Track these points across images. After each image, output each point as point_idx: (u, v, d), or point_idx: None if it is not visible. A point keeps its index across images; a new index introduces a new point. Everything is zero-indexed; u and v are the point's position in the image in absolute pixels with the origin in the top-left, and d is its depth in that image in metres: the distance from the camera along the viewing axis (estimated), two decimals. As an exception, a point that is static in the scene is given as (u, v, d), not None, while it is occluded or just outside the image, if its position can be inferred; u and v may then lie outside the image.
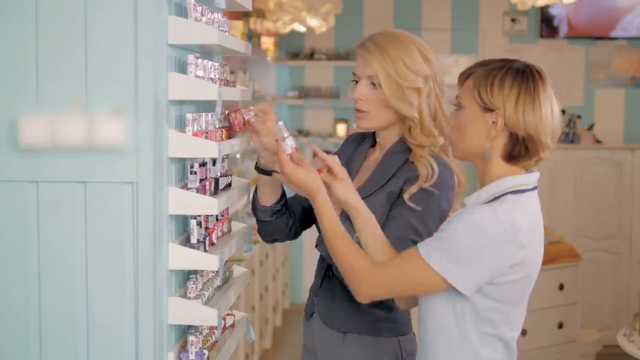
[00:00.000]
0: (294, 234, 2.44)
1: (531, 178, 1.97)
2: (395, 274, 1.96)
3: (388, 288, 1.99)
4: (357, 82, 2.29)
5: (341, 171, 2.10)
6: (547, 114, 1.93)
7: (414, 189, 2.20)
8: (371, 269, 1.98)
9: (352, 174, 2.33)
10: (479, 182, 2.00)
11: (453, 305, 1.95)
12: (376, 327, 2.27)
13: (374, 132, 2.39)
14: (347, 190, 2.09)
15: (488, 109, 1.92)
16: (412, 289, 1.98)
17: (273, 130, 2.16)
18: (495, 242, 1.87)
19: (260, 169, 2.29)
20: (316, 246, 2.33)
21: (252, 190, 2.39)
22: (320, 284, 2.37)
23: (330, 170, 2.10)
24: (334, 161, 2.10)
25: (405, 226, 2.17)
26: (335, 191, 2.08)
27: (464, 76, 1.98)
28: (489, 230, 1.86)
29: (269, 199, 2.34)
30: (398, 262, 1.97)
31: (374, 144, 2.40)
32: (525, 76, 1.92)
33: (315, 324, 2.38)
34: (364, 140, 2.43)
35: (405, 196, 2.19)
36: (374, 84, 2.25)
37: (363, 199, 2.21)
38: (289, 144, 2.09)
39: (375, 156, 2.36)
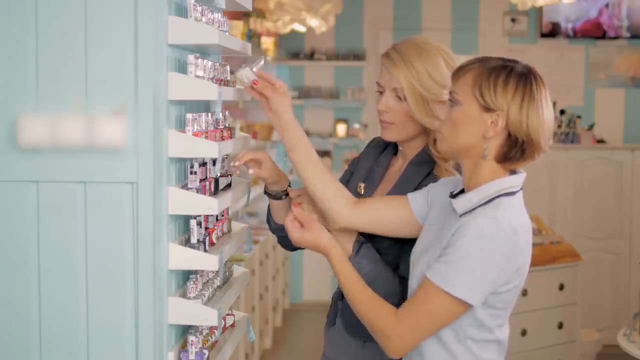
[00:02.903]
0: None
1: (519, 179, 1.94)
2: (420, 315, 1.90)
3: (416, 334, 1.92)
4: (381, 92, 2.25)
5: (282, 85, 2.15)
6: (548, 118, 1.91)
7: None
8: (394, 321, 1.92)
9: (375, 183, 2.31)
10: (466, 181, 1.96)
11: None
12: None
13: None
14: (284, 105, 2.14)
15: (488, 109, 1.89)
16: (437, 324, 1.91)
17: (272, 169, 2.24)
18: (502, 252, 1.85)
19: (269, 194, 2.32)
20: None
21: (252, 190, 2.39)
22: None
23: (271, 83, 2.13)
24: (273, 77, 2.15)
25: None
26: (273, 104, 2.12)
27: (461, 72, 1.93)
28: (496, 242, 1.84)
29: (281, 218, 2.32)
30: (418, 303, 1.90)
31: (396, 151, 2.35)
32: (528, 79, 1.89)
33: (337, 331, 2.33)
34: (387, 145, 2.38)
35: None
36: (399, 97, 2.20)
37: None
38: (247, 75, 2.11)
39: (399, 165, 2.31)
